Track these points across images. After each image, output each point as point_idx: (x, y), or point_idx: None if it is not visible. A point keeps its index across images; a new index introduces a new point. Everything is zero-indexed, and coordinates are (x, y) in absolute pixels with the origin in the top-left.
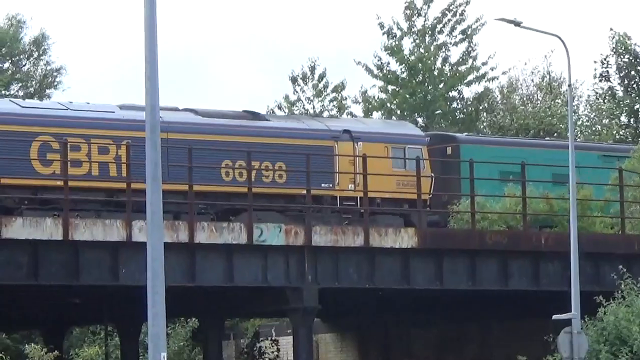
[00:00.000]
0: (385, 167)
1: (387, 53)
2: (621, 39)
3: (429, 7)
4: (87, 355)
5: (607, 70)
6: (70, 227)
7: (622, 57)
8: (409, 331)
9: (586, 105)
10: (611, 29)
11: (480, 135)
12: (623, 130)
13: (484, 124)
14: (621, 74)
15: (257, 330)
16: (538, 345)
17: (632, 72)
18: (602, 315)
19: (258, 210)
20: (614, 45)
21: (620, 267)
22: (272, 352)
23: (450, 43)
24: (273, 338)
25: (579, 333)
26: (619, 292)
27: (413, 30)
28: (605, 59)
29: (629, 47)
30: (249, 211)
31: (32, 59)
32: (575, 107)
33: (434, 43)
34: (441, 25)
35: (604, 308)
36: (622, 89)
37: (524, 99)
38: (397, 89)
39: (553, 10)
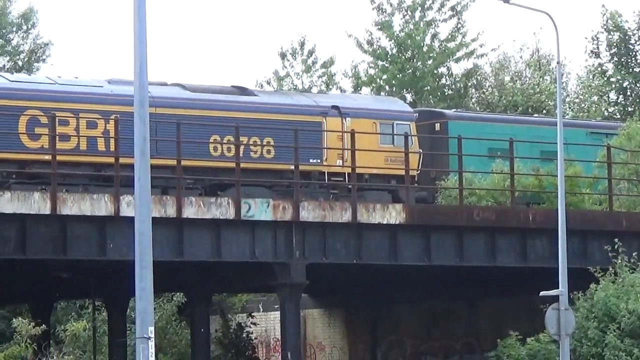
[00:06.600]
0: (373, 143)
1: (378, 28)
2: (612, 15)
3: None
4: (75, 330)
5: (598, 47)
6: (58, 202)
7: (612, 34)
8: (396, 307)
9: (578, 82)
10: (603, 6)
11: (468, 111)
12: (612, 108)
13: (473, 100)
14: (611, 51)
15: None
16: (526, 321)
17: (622, 50)
18: (593, 292)
19: (246, 185)
20: (604, 22)
21: (616, 240)
22: (252, 324)
23: (440, 20)
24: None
25: (566, 309)
26: (611, 268)
27: (402, 6)
28: (595, 36)
29: (620, 25)
30: (237, 186)
31: (20, 32)
32: (564, 84)
33: (424, 19)
34: (430, 1)
35: (596, 285)
36: (612, 66)
37: (513, 75)
38: (386, 65)
39: None
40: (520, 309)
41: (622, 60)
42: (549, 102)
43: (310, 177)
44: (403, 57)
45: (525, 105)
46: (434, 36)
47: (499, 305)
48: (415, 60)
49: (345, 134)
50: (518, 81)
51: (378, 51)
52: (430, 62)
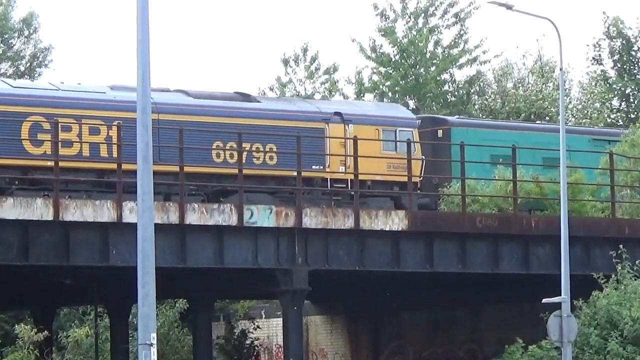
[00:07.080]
0: (376, 149)
1: (381, 34)
2: (615, 22)
3: None
4: (77, 336)
5: (600, 54)
6: (60, 208)
7: (614, 40)
8: (399, 314)
9: (579, 89)
10: (604, 13)
11: (471, 118)
12: (614, 114)
13: (475, 107)
14: (613, 58)
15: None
16: (528, 328)
17: (625, 57)
18: (595, 299)
19: (249, 191)
20: (606, 29)
21: (621, 246)
22: (254, 329)
23: (443, 26)
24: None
25: (568, 316)
26: (614, 275)
27: (406, 12)
28: (597, 43)
29: (622, 31)
30: (240, 192)
31: (22, 37)
32: (567, 91)
33: (427, 26)
34: (433, 8)
35: (599, 292)
36: (615, 72)
37: (516, 82)
38: (389, 71)
39: None
40: (523, 316)
41: (625, 67)
42: (552, 109)
43: (312, 184)
44: (406, 63)
45: (527, 112)
46: (437, 43)
47: (501, 312)
48: (418, 66)
49: (348, 140)
50: (521, 88)
51: (381, 57)
52: (433, 68)
